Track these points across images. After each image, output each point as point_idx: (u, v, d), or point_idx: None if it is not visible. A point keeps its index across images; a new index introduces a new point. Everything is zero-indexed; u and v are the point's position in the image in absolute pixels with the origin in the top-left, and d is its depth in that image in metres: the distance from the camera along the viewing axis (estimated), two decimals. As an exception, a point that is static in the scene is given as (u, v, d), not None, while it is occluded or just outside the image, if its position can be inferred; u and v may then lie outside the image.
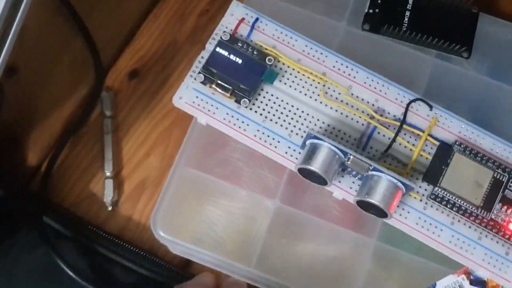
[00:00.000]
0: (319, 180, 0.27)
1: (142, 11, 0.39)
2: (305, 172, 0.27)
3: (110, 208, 0.33)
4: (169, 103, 0.36)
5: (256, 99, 0.29)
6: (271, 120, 0.28)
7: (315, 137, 0.26)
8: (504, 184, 0.28)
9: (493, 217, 0.27)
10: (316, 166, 0.26)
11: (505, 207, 0.27)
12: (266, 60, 0.29)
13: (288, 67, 0.29)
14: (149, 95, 0.36)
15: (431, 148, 0.28)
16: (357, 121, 0.29)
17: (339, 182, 0.28)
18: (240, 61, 0.29)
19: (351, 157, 0.26)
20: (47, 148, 0.35)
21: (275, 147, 0.28)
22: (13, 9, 0.27)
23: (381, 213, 0.26)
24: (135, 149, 0.35)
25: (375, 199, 0.25)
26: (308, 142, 0.27)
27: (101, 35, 0.38)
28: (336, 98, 0.29)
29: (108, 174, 0.34)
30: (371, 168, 0.26)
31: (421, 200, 0.28)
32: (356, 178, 0.27)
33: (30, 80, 0.36)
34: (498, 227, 0.27)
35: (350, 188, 0.28)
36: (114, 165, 0.34)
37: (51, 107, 0.36)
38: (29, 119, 0.36)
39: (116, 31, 0.38)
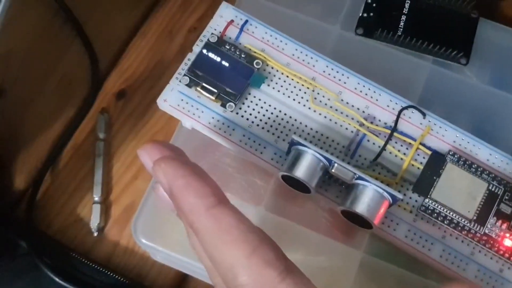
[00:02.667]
0: (303, 188, 0.26)
1: (130, 29, 0.38)
2: (288, 180, 0.26)
3: (96, 234, 0.33)
4: (157, 123, 0.35)
5: (243, 103, 0.28)
6: (257, 125, 0.28)
7: (299, 143, 0.25)
8: (499, 197, 0.26)
9: (487, 231, 0.26)
10: (299, 173, 0.25)
11: (500, 221, 0.26)
12: (254, 63, 0.28)
13: (277, 71, 0.28)
14: (137, 116, 0.36)
15: (423, 157, 0.27)
16: (346, 128, 0.28)
17: (326, 190, 0.27)
18: (227, 64, 0.28)
19: (335, 164, 0.25)
20: (34, 171, 0.34)
21: (261, 153, 0.27)
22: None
23: (366, 224, 0.25)
24: (122, 172, 0.34)
25: (359, 209, 0.24)
26: (292, 148, 0.26)
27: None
28: (325, 104, 0.28)
29: (96, 198, 0.33)
30: (356, 176, 0.25)
31: (410, 212, 0.27)
32: (343, 186, 0.26)
33: (17, 102, 0.36)
34: (492, 242, 0.26)
35: (337, 197, 0.27)
36: (103, 189, 0.33)
37: (39, 129, 0.35)
38: (16, 142, 0.35)
39: (105, 49, 0.37)
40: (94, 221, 0.33)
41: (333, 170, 0.25)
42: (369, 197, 0.24)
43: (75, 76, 0.37)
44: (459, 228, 0.26)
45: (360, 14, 0.31)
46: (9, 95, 0.36)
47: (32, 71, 0.37)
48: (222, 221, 0.19)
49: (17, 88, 0.36)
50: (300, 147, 0.25)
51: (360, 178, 0.25)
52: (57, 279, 0.30)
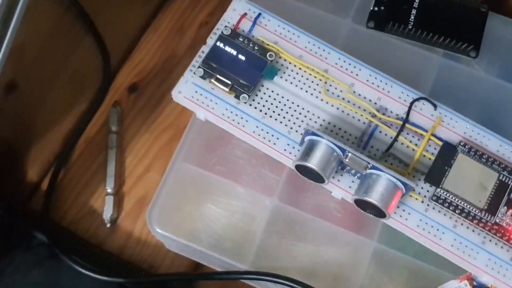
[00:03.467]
0: (317, 177, 0.26)
1: (141, 24, 0.38)
2: (302, 169, 0.26)
3: (108, 225, 0.33)
4: (169, 117, 0.36)
5: (256, 95, 0.28)
6: (270, 116, 0.28)
7: (313, 134, 0.25)
8: (509, 187, 0.27)
9: (497, 221, 0.26)
10: (313, 163, 0.25)
11: (510, 210, 0.26)
12: (267, 55, 0.28)
13: (290, 63, 0.29)
14: (149, 109, 0.36)
15: (434, 148, 0.28)
16: (359, 120, 0.28)
17: (338, 181, 0.27)
18: (240, 56, 0.28)
19: (349, 154, 0.25)
20: (47, 164, 0.35)
21: (274, 144, 0.28)
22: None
23: (380, 213, 0.25)
24: (135, 164, 0.35)
25: (373, 198, 0.25)
26: (306, 138, 0.26)
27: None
28: (338, 96, 0.28)
29: (109, 190, 0.33)
30: (369, 166, 0.25)
31: (422, 202, 0.27)
32: (356, 177, 0.27)
33: (30, 96, 0.36)
34: (502, 231, 0.26)
35: (349, 187, 0.27)
36: (116, 181, 0.34)
37: (51, 122, 0.36)
38: (29, 135, 0.35)
39: (117, 44, 0.38)
40: (107, 213, 0.33)
41: (346, 160, 0.25)
42: (382, 186, 0.25)
43: (87, 71, 0.37)
44: (471, 217, 0.26)
45: (371, 8, 0.32)
46: (22, 89, 0.36)
47: (44, 65, 0.37)
48: None
49: (30, 82, 0.37)
50: (314, 137, 0.26)
51: (373, 167, 0.25)
52: (77, 267, 0.30)
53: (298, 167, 0.26)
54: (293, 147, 0.28)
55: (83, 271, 0.30)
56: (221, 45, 0.29)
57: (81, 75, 0.37)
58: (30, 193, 0.34)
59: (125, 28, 0.38)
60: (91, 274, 0.30)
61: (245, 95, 0.28)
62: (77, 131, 0.36)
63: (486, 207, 0.26)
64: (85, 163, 0.35)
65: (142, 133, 0.36)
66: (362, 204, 0.26)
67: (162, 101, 0.36)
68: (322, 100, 0.28)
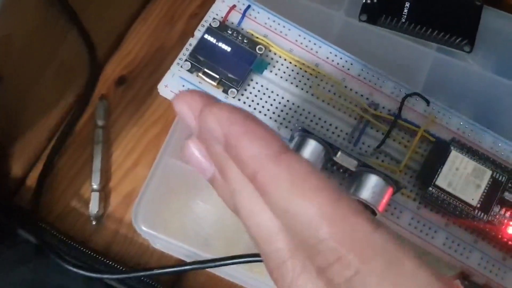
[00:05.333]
0: (306, 175, 0.25)
1: (130, 15, 0.38)
2: (291, 167, 0.26)
3: (94, 222, 0.32)
4: (158, 110, 0.35)
5: (245, 90, 0.27)
6: (259, 111, 0.27)
7: (303, 130, 0.25)
8: (503, 185, 0.26)
9: (490, 219, 0.26)
10: (302, 160, 0.25)
11: (504, 209, 0.26)
12: (257, 49, 0.28)
13: (280, 57, 0.28)
14: (137, 102, 0.35)
15: (427, 145, 0.27)
16: (350, 115, 0.27)
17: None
18: (229, 49, 0.28)
19: (339, 152, 0.24)
20: (33, 158, 0.34)
21: (263, 140, 0.27)
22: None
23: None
24: (122, 159, 0.34)
25: (364, 195, 0.24)
26: (295, 135, 0.25)
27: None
28: (329, 91, 0.28)
29: (95, 186, 0.33)
30: (359, 164, 0.24)
31: (414, 200, 0.26)
32: (346, 174, 0.26)
33: (15, 89, 0.35)
34: (495, 230, 0.26)
35: (340, 184, 0.26)
36: (102, 176, 0.33)
37: (37, 116, 0.35)
38: (14, 129, 0.35)
39: (104, 36, 0.37)
40: (93, 209, 0.32)
41: (337, 157, 0.25)
42: (373, 184, 0.24)
43: (74, 63, 0.36)
44: (463, 216, 0.26)
45: (364, 0, 0.31)
46: (7, 82, 0.36)
47: (30, 58, 0.36)
48: (296, 168, 0.16)
49: (16, 75, 0.36)
50: (304, 134, 0.25)
51: (364, 165, 0.24)
52: (67, 266, 0.30)
53: (287, 164, 0.26)
54: (283, 143, 0.27)
55: (70, 267, 0.29)
56: (209, 37, 0.28)
57: (68, 68, 0.36)
58: (15, 189, 0.34)
59: (113, 19, 0.37)
60: (78, 270, 0.30)
61: (233, 89, 0.27)
62: (64, 125, 0.35)
63: (479, 206, 0.26)
64: (71, 158, 0.34)
65: (131, 127, 0.35)
66: (353, 202, 0.25)
67: (151, 94, 0.36)
68: (312, 95, 0.28)
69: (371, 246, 0.15)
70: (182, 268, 0.30)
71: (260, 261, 0.27)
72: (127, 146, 0.34)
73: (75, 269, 0.30)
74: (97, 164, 0.33)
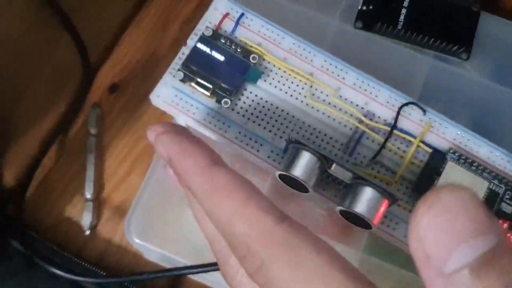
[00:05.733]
0: (301, 187, 0.25)
1: (122, 21, 0.37)
2: (286, 179, 0.25)
3: (88, 232, 0.32)
4: (151, 118, 0.35)
5: (239, 99, 0.27)
6: (253, 121, 0.27)
7: (297, 142, 0.24)
8: (500, 196, 0.26)
9: (487, 231, 0.25)
10: (297, 172, 0.24)
11: (501, 221, 0.26)
12: (250, 58, 0.27)
13: (274, 66, 0.28)
14: (130, 110, 0.35)
15: (423, 155, 0.27)
16: (345, 125, 0.27)
17: (323, 189, 0.26)
18: (222, 59, 0.27)
19: (334, 164, 0.24)
20: (24, 167, 0.34)
21: (257, 150, 0.27)
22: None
23: (365, 224, 0.24)
24: (115, 168, 0.34)
25: (358, 209, 0.24)
26: (290, 146, 0.25)
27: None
28: (324, 100, 0.27)
29: (88, 196, 0.32)
30: (354, 176, 0.24)
31: (410, 211, 0.26)
32: (341, 186, 0.26)
33: (5, 96, 0.35)
34: (492, 242, 0.25)
35: (335, 196, 0.26)
36: (95, 186, 0.33)
37: (29, 123, 0.34)
38: (5, 137, 0.34)
39: (96, 42, 0.36)
40: (86, 219, 0.32)
41: (331, 169, 0.24)
42: (368, 197, 0.24)
43: (66, 69, 0.36)
44: (460, 227, 0.26)
45: (360, 7, 0.31)
46: (-3, 89, 0.35)
47: (21, 65, 0.36)
48: (216, 178, 0.19)
49: (5, 82, 0.35)
50: (298, 146, 0.25)
51: (359, 177, 0.24)
52: (61, 273, 0.29)
53: (281, 176, 0.25)
54: (277, 154, 0.26)
55: (62, 273, 0.29)
56: (202, 46, 0.27)
57: (60, 74, 0.36)
58: (6, 198, 0.33)
59: (106, 25, 0.37)
60: (71, 276, 0.29)
61: (227, 99, 0.27)
62: (56, 133, 0.34)
63: (475, 217, 0.25)
64: (63, 166, 0.34)
65: (123, 135, 0.35)
66: (348, 215, 0.25)
67: (143, 101, 0.35)
68: (307, 104, 0.27)
69: (273, 237, 0.17)
70: (176, 273, 0.30)
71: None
72: (120, 154, 0.34)
73: (68, 275, 0.30)
74: (90, 173, 0.33)
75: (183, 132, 0.21)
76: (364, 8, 0.31)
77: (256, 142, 0.27)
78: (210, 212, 0.19)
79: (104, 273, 0.30)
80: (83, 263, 0.31)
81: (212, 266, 0.26)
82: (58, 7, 0.36)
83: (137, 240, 0.27)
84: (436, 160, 0.26)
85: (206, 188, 0.19)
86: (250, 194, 0.19)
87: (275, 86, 0.27)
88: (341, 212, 0.25)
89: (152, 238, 0.27)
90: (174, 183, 0.22)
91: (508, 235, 0.26)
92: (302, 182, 0.24)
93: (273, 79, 0.27)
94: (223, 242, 0.20)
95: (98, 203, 0.33)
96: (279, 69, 0.28)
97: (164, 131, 0.21)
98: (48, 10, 0.36)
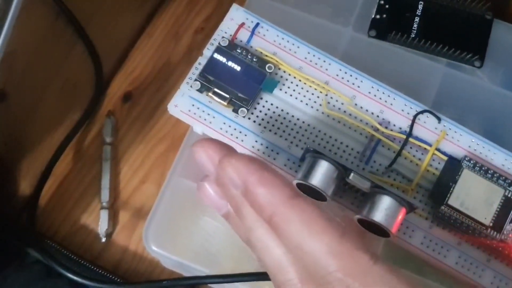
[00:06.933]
0: (318, 195, 0.25)
1: (135, 30, 0.37)
2: (303, 187, 0.25)
3: (104, 240, 0.32)
4: (165, 126, 0.35)
5: (255, 109, 0.27)
6: (270, 130, 0.27)
7: (314, 151, 0.25)
8: (516, 203, 0.26)
9: (503, 238, 0.26)
10: (315, 182, 0.24)
11: (517, 228, 0.26)
12: (266, 67, 0.28)
13: (289, 75, 0.28)
14: (144, 119, 0.35)
15: (439, 163, 0.27)
16: (361, 133, 0.27)
17: (340, 197, 0.26)
18: (238, 69, 0.27)
19: (352, 173, 0.24)
20: (39, 176, 0.34)
21: (274, 159, 0.27)
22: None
23: (383, 233, 0.25)
24: (130, 176, 0.34)
25: (377, 218, 0.24)
26: (307, 156, 0.25)
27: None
28: (339, 109, 0.27)
29: (104, 204, 0.33)
30: (372, 185, 0.24)
31: (426, 219, 0.26)
32: (358, 193, 0.26)
33: (21, 106, 0.35)
34: (508, 249, 0.26)
35: (352, 203, 0.26)
36: (110, 193, 0.33)
37: (43, 133, 0.35)
38: (20, 147, 0.34)
39: (109, 51, 0.37)
40: (102, 227, 0.32)
41: (350, 178, 0.24)
42: (386, 205, 0.24)
43: (80, 79, 0.36)
44: (476, 234, 0.26)
45: (373, 16, 0.31)
46: (12, 98, 0.35)
47: (35, 74, 0.36)
48: (306, 210, 0.19)
49: (20, 91, 0.36)
50: (315, 155, 0.25)
51: (377, 186, 0.24)
52: (80, 280, 0.30)
53: (299, 185, 0.25)
54: (293, 162, 0.27)
55: (82, 280, 0.29)
56: (219, 57, 0.28)
57: (74, 84, 0.36)
58: (22, 207, 0.33)
59: (118, 35, 0.37)
60: (91, 283, 0.30)
61: (243, 108, 0.27)
62: (70, 142, 0.35)
63: (491, 224, 0.26)
64: (78, 175, 0.34)
65: (138, 144, 0.35)
66: (366, 223, 0.25)
67: (157, 110, 0.36)
68: (323, 113, 0.27)
69: (372, 276, 0.18)
70: (193, 281, 0.30)
71: (267, 279, 0.27)
72: (135, 163, 0.34)
73: (88, 282, 0.30)
74: (105, 181, 0.33)
75: (255, 159, 0.20)
76: (378, 17, 0.31)
77: (272, 150, 0.27)
78: (299, 246, 0.19)
79: (121, 280, 0.31)
80: (100, 271, 0.31)
81: (231, 278, 0.26)
82: (72, 16, 0.36)
83: (155, 248, 0.27)
84: (452, 167, 0.26)
85: (295, 222, 0.19)
86: (343, 231, 0.19)
87: (291, 95, 0.28)
88: (359, 220, 0.25)
89: (169, 246, 0.28)
90: (212, 203, 0.22)
91: (524, 241, 0.26)
92: (321, 191, 0.24)
93: (288, 88, 0.28)
94: (295, 273, 0.19)
95: (114, 211, 0.33)
96: (295, 78, 0.28)
97: (233, 154, 0.20)
98: (62, 21, 0.37)
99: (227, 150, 0.21)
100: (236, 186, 0.20)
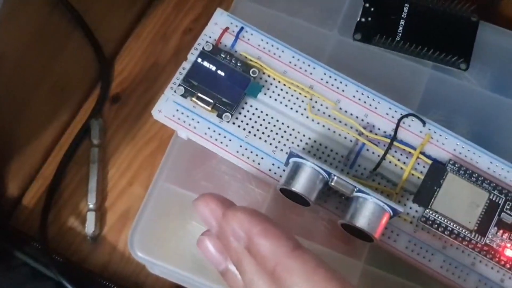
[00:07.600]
0: (302, 200, 0.25)
1: (123, 32, 0.37)
2: (287, 193, 0.25)
3: (91, 242, 0.32)
4: (153, 127, 0.35)
5: (239, 113, 0.27)
6: (254, 135, 0.27)
7: (298, 156, 0.25)
8: (500, 206, 0.26)
9: (487, 242, 0.26)
10: (298, 187, 0.24)
11: (501, 231, 0.26)
12: (250, 72, 0.27)
13: (274, 79, 0.28)
14: (131, 120, 0.35)
15: (423, 166, 0.27)
16: (345, 137, 0.27)
17: (325, 202, 0.26)
18: (223, 73, 0.27)
19: (335, 177, 0.24)
20: (28, 178, 0.34)
21: (259, 163, 0.27)
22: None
23: (367, 237, 0.25)
24: (117, 178, 0.34)
25: (360, 223, 0.24)
26: (291, 160, 0.25)
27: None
28: (323, 113, 0.27)
29: (91, 206, 0.32)
30: (356, 189, 0.24)
31: (411, 223, 0.26)
32: (342, 198, 0.26)
33: (9, 107, 0.35)
34: (493, 252, 0.26)
35: (336, 208, 0.26)
36: (98, 196, 0.33)
37: (32, 135, 0.34)
38: (9, 148, 0.34)
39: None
40: (89, 229, 0.32)
41: (332, 183, 0.24)
42: (369, 210, 0.24)
43: (69, 81, 0.36)
44: (460, 238, 0.26)
45: (358, 19, 0.31)
46: (1, 99, 0.35)
47: (25, 75, 0.36)
48: (308, 261, 0.20)
49: (9, 92, 0.35)
50: (299, 160, 0.25)
51: (360, 191, 0.24)
52: (67, 283, 0.30)
53: (282, 191, 0.26)
54: (278, 167, 0.27)
55: (67, 283, 0.29)
56: (203, 61, 0.28)
57: (62, 86, 0.36)
58: (10, 209, 0.33)
59: (107, 36, 0.37)
60: (77, 286, 0.30)
61: (227, 113, 0.27)
62: (58, 143, 0.35)
63: (476, 228, 0.26)
64: (66, 176, 0.34)
65: (125, 145, 0.35)
66: (349, 228, 0.25)
67: (145, 111, 0.35)
68: (307, 117, 0.27)
69: None
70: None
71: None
72: (122, 165, 0.34)
73: (74, 285, 0.30)
74: (93, 183, 0.33)
75: (259, 212, 0.21)
76: (363, 20, 0.31)
77: (257, 155, 0.27)
78: None
79: (109, 283, 0.31)
80: (88, 273, 0.31)
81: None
82: (70, 5, 0.36)
83: (140, 254, 0.27)
84: (436, 171, 0.26)
85: (298, 272, 0.20)
86: (342, 281, 0.20)
87: (275, 100, 0.28)
88: (343, 225, 0.25)
89: (155, 252, 0.28)
90: (211, 258, 0.23)
91: (509, 245, 0.26)
92: (304, 196, 0.24)
93: (273, 92, 0.28)
94: None
95: (101, 212, 0.33)
96: (279, 82, 0.28)
97: (237, 208, 0.21)
98: (58, 11, 0.36)
99: (230, 204, 0.22)
100: (238, 238, 0.21)
